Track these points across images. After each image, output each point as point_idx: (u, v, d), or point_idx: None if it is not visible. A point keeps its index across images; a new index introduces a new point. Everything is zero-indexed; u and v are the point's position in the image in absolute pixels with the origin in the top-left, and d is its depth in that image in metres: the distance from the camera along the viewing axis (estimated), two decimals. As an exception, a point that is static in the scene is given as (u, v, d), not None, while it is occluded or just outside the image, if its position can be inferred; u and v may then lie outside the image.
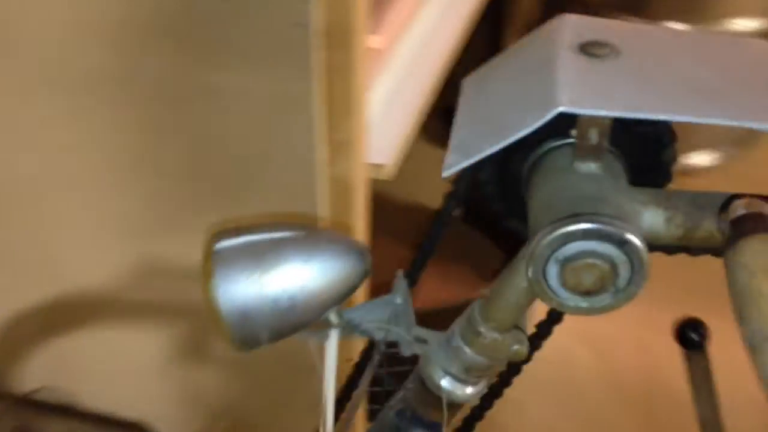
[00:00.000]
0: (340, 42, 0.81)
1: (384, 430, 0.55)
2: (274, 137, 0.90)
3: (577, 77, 0.42)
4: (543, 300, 0.44)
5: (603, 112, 0.40)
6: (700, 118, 0.39)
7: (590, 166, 0.45)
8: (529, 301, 0.49)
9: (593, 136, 0.44)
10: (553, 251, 0.42)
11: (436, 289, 1.49)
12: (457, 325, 0.52)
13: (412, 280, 0.56)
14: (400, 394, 0.55)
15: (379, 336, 0.51)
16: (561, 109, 0.40)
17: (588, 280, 0.42)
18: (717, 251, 0.41)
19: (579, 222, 0.41)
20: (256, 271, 0.46)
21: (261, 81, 0.86)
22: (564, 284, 0.43)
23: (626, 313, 0.44)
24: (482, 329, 0.50)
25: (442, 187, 0.62)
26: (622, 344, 1.50)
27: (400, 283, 0.52)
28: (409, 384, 0.54)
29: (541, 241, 0.42)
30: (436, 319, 0.55)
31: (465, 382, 0.52)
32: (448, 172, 0.44)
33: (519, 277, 0.48)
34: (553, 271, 0.43)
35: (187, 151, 0.93)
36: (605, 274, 0.42)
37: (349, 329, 0.51)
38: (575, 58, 0.44)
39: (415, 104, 1.08)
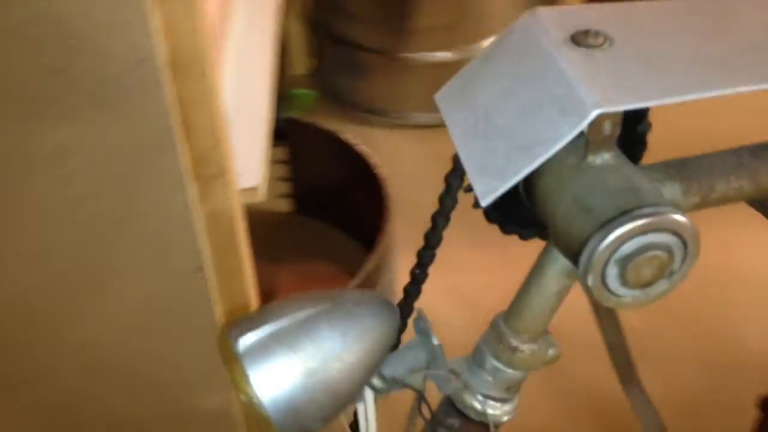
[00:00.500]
0: (190, 72, 0.74)
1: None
2: (139, 185, 0.80)
3: (589, 72, 0.41)
4: (600, 301, 0.43)
5: (640, 104, 0.39)
6: (725, 89, 0.39)
7: (604, 157, 0.44)
8: (560, 303, 0.48)
9: (608, 127, 0.43)
10: (612, 253, 0.41)
11: (295, 288, 1.45)
12: (486, 347, 0.49)
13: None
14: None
15: (420, 385, 0.47)
16: (599, 111, 0.39)
17: (648, 272, 0.42)
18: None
19: (634, 219, 0.40)
20: (295, 360, 0.40)
21: (113, 128, 0.76)
22: (625, 283, 0.42)
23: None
24: (517, 343, 0.48)
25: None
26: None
27: (424, 321, 0.48)
28: (444, 420, 0.51)
29: (598, 246, 0.40)
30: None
31: (505, 400, 0.50)
32: (488, 200, 0.41)
33: (547, 284, 0.47)
34: (612, 273, 0.42)
35: (36, 228, 0.80)
36: (664, 262, 0.42)
37: (387, 387, 0.46)
38: (573, 52, 0.42)
39: (260, 115, 1.02)
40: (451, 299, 1.51)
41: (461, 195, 0.50)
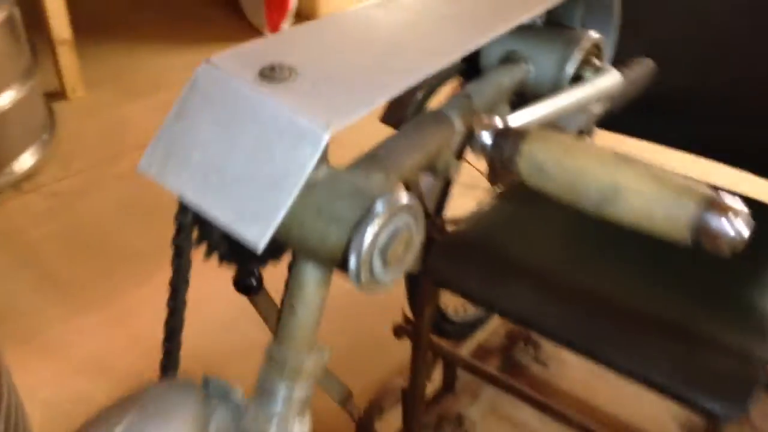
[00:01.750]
0: None
1: None
2: None
3: (298, 102, 0.45)
4: (368, 293, 0.48)
5: (354, 116, 0.44)
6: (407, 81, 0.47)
7: (324, 170, 0.48)
8: (323, 311, 0.52)
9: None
10: (374, 247, 0.46)
11: None
12: (271, 378, 0.51)
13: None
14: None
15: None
16: (330, 131, 0.43)
17: (400, 250, 0.48)
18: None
19: (378, 213, 0.46)
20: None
21: None
22: (386, 266, 0.47)
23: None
24: (301, 360, 0.51)
25: None
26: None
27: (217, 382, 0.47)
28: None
29: (362, 246, 0.45)
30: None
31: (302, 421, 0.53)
32: (264, 241, 0.42)
33: (311, 300, 0.50)
34: (377, 263, 0.47)
35: None
36: (409, 236, 0.48)
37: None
38: (269, 88, 0.45)
39: None
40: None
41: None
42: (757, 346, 0.93)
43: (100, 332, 1.52)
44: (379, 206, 0.46)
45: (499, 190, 1.22)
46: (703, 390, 0.92)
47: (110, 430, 0.39)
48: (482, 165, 0.80)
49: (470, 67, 0.64)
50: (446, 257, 1.08)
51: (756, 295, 1.01)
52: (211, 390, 0.48)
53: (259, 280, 0.78)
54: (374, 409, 1.23)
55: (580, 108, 0.61)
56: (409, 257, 0.50)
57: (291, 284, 0.51)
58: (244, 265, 0.53)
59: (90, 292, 1.62)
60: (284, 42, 0.49)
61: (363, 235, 0.45)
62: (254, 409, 0.50)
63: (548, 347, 1.51)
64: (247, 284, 0.74)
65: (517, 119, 0.54)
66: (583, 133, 0.76)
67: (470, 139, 0.52)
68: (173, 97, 0.47)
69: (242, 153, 0.44)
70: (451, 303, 1.60)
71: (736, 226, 0.42)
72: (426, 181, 1.26)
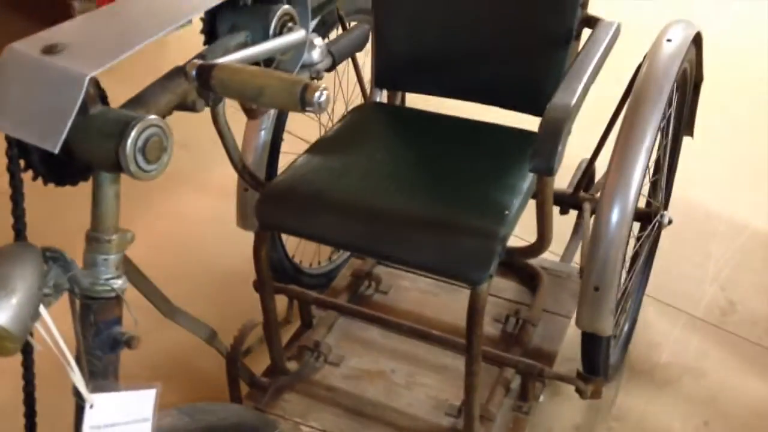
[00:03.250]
0: None
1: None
2: None
3: (69, 63, 0.72)
4: (141, 178, 0.75)
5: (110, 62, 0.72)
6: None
7: (97, 107, 0.76)
8: (119, 200, 0.79)
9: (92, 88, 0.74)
10: (135, 147, 0.73)
11: None
12: (93, 251, 0.78)
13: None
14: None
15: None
16: (89, 76, 0.71)
17: (157, 151, 0.76)
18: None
19: (134, 124, 0.73)
20: None
21: None
22: (148, 162, 0.75)
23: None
24: (110, 236, 0.78)
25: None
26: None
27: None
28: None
29: (126, 146, 0.73)
30: None
31: (120, 276, 0.80)
32: (57, 149, 0.69)
33: (109, 194, 0.78)
34: (140, 158, 0.74)
35: None
36: (160, 142, 0.76)
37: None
38: (51, 58, 0.73)
39: None
40: None
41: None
42: (496, 228, 1.25)
43: None
44: (134, 123, 0.74)
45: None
46: (459, 266, 1.24)
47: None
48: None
49: (211, 34, 0.94)
50: (269, 203, 1.37)
51: (496, 192, 1.33)
52: (48, 254, 0.75)
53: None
54: (238, 344, 1.49)
55: (277, 53, 0.91)
56: (166, 156, 0.78)
57: (93, 189, 0.78)
58: (62, 183, 0.80)
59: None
60: (62, 28, 0.77)
61: (126, 140, 0.73)
62: (82, 271, 0.77)
63: (387, 278, 1.81)
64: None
65: (220, 61, 0.83)
66: (314, 78, 1.06)
67: (185, 75, 0.81)
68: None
69: (37, 98, 0.72)
70: (307, 259, 1.89)
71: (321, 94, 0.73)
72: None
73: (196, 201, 2.33)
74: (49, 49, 0.74)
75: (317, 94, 0.71)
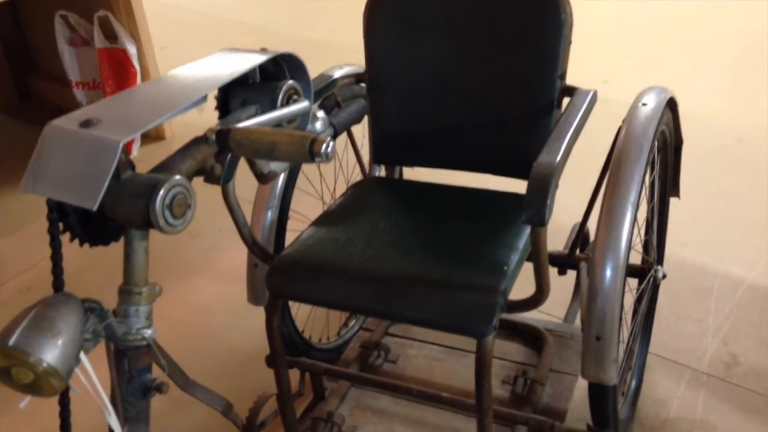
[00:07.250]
0: None
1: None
2: None
3: (102, 134, 0.81)
4: (168, 232, 0.83)
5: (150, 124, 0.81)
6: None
7: (128, 172, 0.85)
8: (149, 256, 0.87)
9: (123, 155, 0.83)
10: (163, 204, 0.82)
11: None
12: (125, 303, 0.85)
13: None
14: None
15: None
16: (122, 144, 0.80)
17: (182, 207, 0.84)
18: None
19: (162, 185, 0.82)
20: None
21: None
22: (174, 218, 0.83)
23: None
24: (140, 289, 0.85)
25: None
26: None
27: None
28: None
29: (155, 204, 0.81)
30: None
31: (149, 326, 0.87)
32: (95, 207, 0.77)
33: (139, 251, 0.85)
34: (168, 215, 0.83)
35: None
36: (184, 200, 0.84)
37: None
38: (86, 130, 0.82)
39: None
40: None
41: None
42: (497, 283, 1.32)
43: None
44: (162, 183, 0.82)
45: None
46: (464, 320, 1.30)
47: (18, 324, 0.71)
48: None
49: (224, 109, 1.04)
50: (278, 273, 1.44)
51: (494, 250, 1.41)
52: (87, 304, 0.82)
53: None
54: (254, 416, 1.53)
55: (284, 120, 1.01)
56: (190, 213, 0.86)
57: (125, 246, 0.86)
58: (95, 243, 0.87)
59: None
60: (95, 107, 0.86)
61: (156, 199, 0.81)
62: (117, 320, 0.84)
63: (395, 348, 1.86)
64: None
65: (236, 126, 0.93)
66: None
67: (206, 139, 0.90)
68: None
69: (76, 165, 0.80)
70: (316, 334, 1.94)
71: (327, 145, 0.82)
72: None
73: (203, 286, 2.40)
74: (86, 123, 0.83)
75: (324, 145, 0.80)
